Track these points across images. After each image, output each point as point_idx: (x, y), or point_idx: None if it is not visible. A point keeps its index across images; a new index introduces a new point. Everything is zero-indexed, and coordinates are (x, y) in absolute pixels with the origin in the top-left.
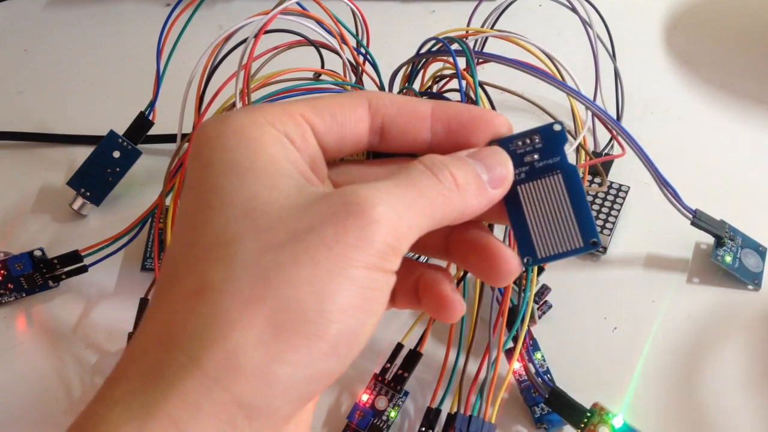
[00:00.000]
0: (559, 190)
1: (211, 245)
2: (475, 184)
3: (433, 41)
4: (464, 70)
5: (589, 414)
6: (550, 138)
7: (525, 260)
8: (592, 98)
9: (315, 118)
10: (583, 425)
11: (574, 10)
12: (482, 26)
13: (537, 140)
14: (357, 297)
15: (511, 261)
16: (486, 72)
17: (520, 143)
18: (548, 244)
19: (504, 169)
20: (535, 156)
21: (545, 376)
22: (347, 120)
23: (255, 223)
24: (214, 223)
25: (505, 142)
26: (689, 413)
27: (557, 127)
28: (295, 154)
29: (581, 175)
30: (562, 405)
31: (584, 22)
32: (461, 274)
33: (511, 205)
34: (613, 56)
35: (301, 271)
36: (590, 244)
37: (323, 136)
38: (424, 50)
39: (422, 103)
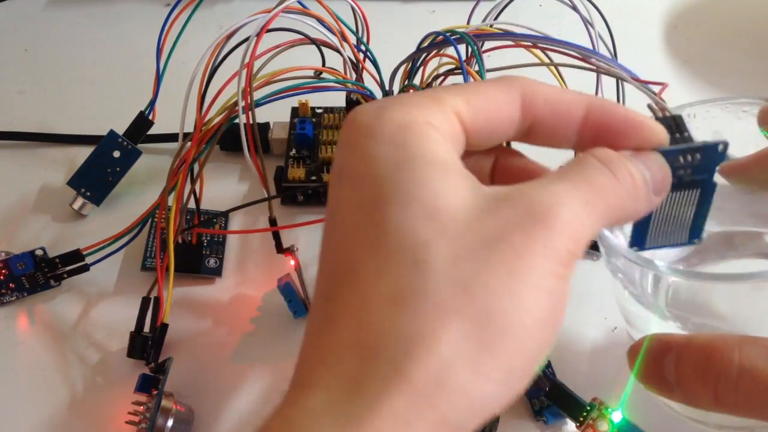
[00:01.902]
0: (692, 200)
1: (399, 248)
2: (645, 188)
3: (434, 35)
4: (467, 60)
5: (588, 408)
6: (710, 157)
7: (633, 248)
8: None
9: (470, 120)
10: (582, 419)
11: (575, 8)
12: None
13: (698, 157)
14: (548, 309)
15: None
16: (490, 65)
17: (681, 159)
18: (658, 238)
19: (666, 176)
20: (688, 170)
21: (546, 370)
22: (500, 124)
23: (444, 227)
24: (398, 222)
25: (669, 155)
26: None
27: (721, 147)
28: (454, 152)
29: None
30: (562, 398)
31: (585, 21)
32: None
33: None
34: (614, 56)
35: (498, 281)
36: (692, 242)
37: (473, 137)
38: (424, 45)
39: (575, 106)
